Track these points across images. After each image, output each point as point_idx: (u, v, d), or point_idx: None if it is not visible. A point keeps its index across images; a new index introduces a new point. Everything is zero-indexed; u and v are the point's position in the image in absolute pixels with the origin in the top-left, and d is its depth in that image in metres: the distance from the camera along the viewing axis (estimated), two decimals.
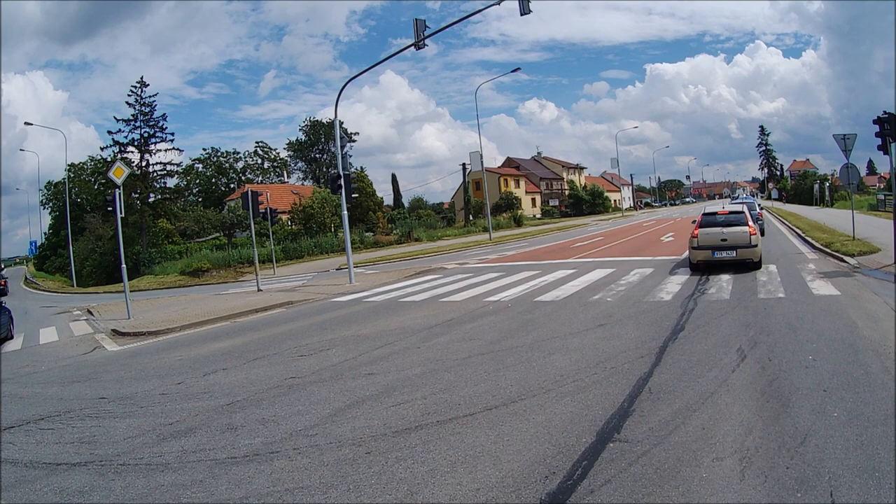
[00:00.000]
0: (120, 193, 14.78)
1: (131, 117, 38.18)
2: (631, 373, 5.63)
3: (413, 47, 17.05)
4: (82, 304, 20.15)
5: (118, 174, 14.71)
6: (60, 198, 43.05)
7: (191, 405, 6.12)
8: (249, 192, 18.21)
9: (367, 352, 7.75)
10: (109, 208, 15.39)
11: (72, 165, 54.44)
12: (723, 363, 5.72)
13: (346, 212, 18.14)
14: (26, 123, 53.65)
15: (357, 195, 42.27)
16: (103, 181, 37.70)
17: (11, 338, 14.67)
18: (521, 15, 15.56)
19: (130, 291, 26.90)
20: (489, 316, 9.53)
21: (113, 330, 12.76)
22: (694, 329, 7.24)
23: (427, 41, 16.76)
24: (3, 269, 57.90)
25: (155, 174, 39.15)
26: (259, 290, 18.33)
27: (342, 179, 17.43)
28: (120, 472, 4.58)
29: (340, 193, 17.73)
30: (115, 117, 39.28)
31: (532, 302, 10.43)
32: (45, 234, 59.66)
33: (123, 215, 36.69)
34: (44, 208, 61.11)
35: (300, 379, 6.74)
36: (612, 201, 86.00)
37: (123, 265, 15.72)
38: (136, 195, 37.92)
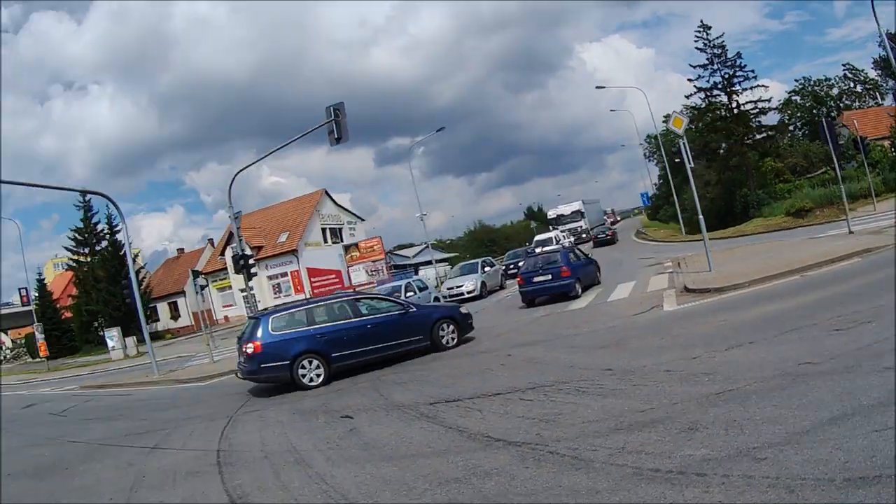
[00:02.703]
0: (685, 143, 15.40)
1: (706, 62, 38.17)
2: None
3: None
4: (680, 255, 21.27)
5: (677, 124, 15.40)
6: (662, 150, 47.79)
7: (681, 389, 5.81)
8: (824, 123, 16.44)
9: None
10: (677, 159, 16.40)
11: (667, 117, 59.67)
12: None
13: None
14: (597, 87, 64.23)
15: None
16: (702, 126, 39.26)
17: (599, 283, 17.83)
18: None
19: (737, 237, 27.40)
20: None
21: (685, 286, 13.13)
22: None
23: None
24: (618, 221, 69.75)
25: (749, 114, 38.26)
26: (850, 231, 16.20)
27: None
28: (539, 461, 4.44)
29: None
30: (689, 65, 39.91)
31: None
32: (654, 185, 66.53)
33: (725, 160, 38.13)
34: (649, 161, 70.20)
35: (813, 366, 5.45)
36: None
37: (697, 215, 15.95)
38: (735, 138, 37.92)
